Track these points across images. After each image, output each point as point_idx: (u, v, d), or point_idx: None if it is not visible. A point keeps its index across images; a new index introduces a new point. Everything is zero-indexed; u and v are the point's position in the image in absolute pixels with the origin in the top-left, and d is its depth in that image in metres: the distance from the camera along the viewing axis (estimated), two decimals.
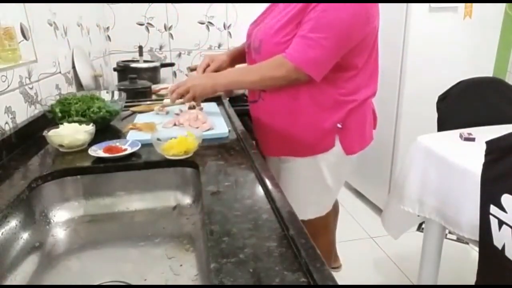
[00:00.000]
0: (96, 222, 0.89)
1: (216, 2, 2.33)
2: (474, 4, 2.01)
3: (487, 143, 0.92)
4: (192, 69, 1.81)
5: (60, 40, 1.47)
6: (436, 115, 1.64)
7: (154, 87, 1.82)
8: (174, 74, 2.43)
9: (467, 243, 2.02)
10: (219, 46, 2.41)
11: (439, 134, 1.51)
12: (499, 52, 2.21)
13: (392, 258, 1.98)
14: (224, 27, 2.40)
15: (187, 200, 0.94)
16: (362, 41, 1.13)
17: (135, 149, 0.96)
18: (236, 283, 0.50)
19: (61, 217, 0.88)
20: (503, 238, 0.90)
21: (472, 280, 1.08)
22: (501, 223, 0.89)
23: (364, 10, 1.08)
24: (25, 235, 0.78)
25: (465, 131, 1.39)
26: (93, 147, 0.96)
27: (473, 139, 1.33)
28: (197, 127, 1.12)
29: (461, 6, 2.00)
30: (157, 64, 2.08)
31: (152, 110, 1.38)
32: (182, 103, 1.26)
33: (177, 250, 0.79)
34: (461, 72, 1.86)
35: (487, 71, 2.17)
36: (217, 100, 1.56)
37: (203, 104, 1.43)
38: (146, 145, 0.98)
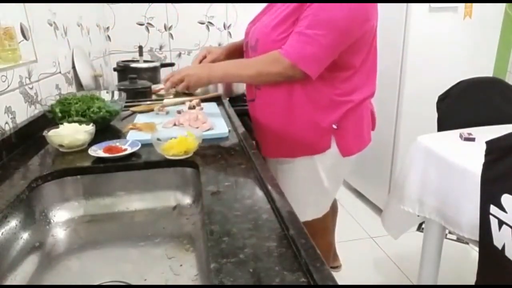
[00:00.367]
0: (96, 222, 0.89)
1: (216, 2, 2.33)
2: (474, 4, 2.01)
3: (487, 143, 0.92)
4: None
5: (60, 40, 1.47)
6: (436, 115, 1.64)
7: (154, 87, 1.82)
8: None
9: (467, 243, 2.02)
10: (219, 46, 2.41)
11: (439, 134, 1.51)
12: (499, 52, 2.21)
13: (392, 258, 1.98)
14: (224, 27, 2.40)
15: (187, 200, 0.94)
16: (360, 39, 1.12)
17: (135, 149, 0.96)
18: (236, 283, 0.50)
19: (61, 217, 0.88)
20: (503, 238, 0.90)
21: (472, 280, 1.08)
22: (501, 223, 0.89)
23: (363, 7, 1.08)
24: (25, 235, 0.78)
25: (465, 131, 1.39)
26: (93, 147, 0.96)
27: (473, 139, 1.33)
28: (197, 127, 1.12)
29: (461, 6, 2.00)
30: (157, 64, 2.08)
31: (152, 110, 1.38)
32: (176, 92, 1.23)
33: (177, 250, 0.79)
34: (461, 72, 1.86)
35: (487, 71, 2.17)
36: (217, 100, 1.56)
37: (203, 104, 1.43)
38: (146, 145, 0.98)
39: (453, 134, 1.41)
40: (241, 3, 2.35)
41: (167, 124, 1.19)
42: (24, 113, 1.11)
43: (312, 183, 1.28)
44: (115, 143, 0.99)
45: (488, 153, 0.93)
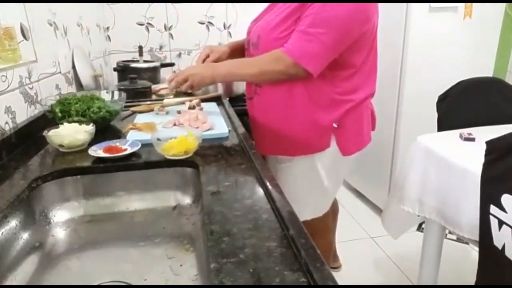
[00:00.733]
0: (96, 222, 0.89)
1: (216, 2, 2.33)
2: (474, 4, 2.01)
3: (487, 143, 0.92)
4: None
5: (60, 40, 1.47)
6: (436, 115, 1.64)
7: (154, 87, 1.82)
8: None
9: (467, 243, 2.02)
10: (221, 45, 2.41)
11: (439, 134, 1.51)
12: (499, 52, 2.21)
13: (392, 258, 1.98)
14: (224, 27, 2.40)
15: (187, 200, 0.94)
16: (360, 38, 1.13)
17: (135, 149, 0.96)
18: (236, 283, 0.50)
19: (61, 217, 0.88)
20: (503, 238, 0.90)
21: (472, 280, 1.08)
22: (501, 223, 0.89)
23: (364, 7, 1.08)
24: (25, 235, 0.78)
25: (465, 131, 1.39)
26: (93, 147, 0.96)
27: (473, 139, 1.33)
28: (197, 127, 1.12)
29: (461, 6, 2.00)
30: (157, 64, 2.08)
31: (152, 110, 1.38)
32: (176, 92, 1.23)
33: (177, 250, 0.79)
34: (461, 72, 1.86)
35: (487, 71, 2.17)
36: (217, 100, 1.56)
37: (203, 104, 1.43)
38: (146, 145, 0.98)
39: (453, 134, 1.41)
40: (241, 3, 2.35)
41: (167, 124, 1.19)
42: (24, 113, 1.11)
43: (311, 182, 1.28)
44: (115, 143, 0.99)
45: (488, 153, 0.93)
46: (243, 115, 1.47)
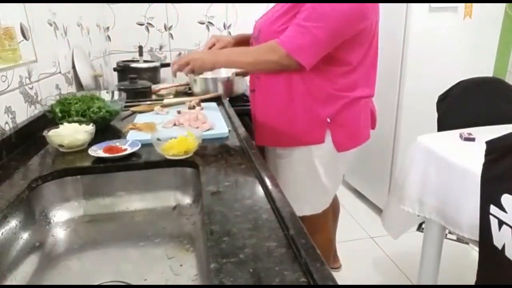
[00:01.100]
0: (96, 222, 0.89)
1: (216, 2, 2.33)
2: (474, 4, 2.01)
3: (487, 143, 0.92)
4: None
5: (60, 40, 1.47)
6: (436, 115, 1.64)
7: (154, 87, 1.82)
8: (174, 74, 2.42)
9: (467, 243, 2.02)
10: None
11: (439, 134, 1.51)
12: (499, 52, 2.21)
13: (392, 258, 1.98)
14: (224, 27, 2.40)
15: (187, 200, 0.94)
16: (356, 37, 1.14)
17: (135, 149, 0.96)
18: (236, 283, 0.50)
19: (61, 217, 0.88)
20: (503, 238, 0.90)
21: (472, 280, 1.08)
22: (501, 223, 0.89)
23: (362, 6, 1.10)
24: (25, 235, 0.78)
25: (465, 131, 1.39)
26: (93, 147, 0.96)
27: (473, 139, 1.33)
28: (197, 127, 1.13)
29: (461, 6, 2.00)
30: (157, 64, 2.08)
31: (152, 110, 1.38)
32: (176, 92, 1.24)
33: (177, 250, 0.79)
34: (461, 72, 1.86)
35: (487, 71, 2.17)
36: (217, 100, 1.56)
37: (203, 104, 1.43)
38: (146, 145, 0.98)
39: (453, 134, 1.40)
40: (241, 3, 2.35)
41: (167, 124, 1.19)
42: (24, 113, 1.11)
43: (309, 178, 1.30)
44: (115, 143, 0.99)
45: (488, 153, 0.93)
46: (243, 115, 1.47)
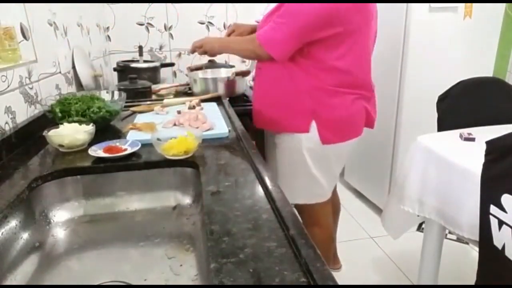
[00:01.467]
0: (96, 222, 0.89)
1: (216, 2, 2.33)
2: (474, 4, 2.01)
3: (487, 143, 0.92)
4: (192, 69, 1.82)
5: (60, 40, 1.47)
6: (436, 115, 1.64)
7: (154, 87, 1.82)
8: (174, 74, 2.43)
9: (467, 243, 2.02)
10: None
11: (439, 134, 1.51)
12: (499, 52, 2.21)
13: (392, 258, 1.98)
14: (224, 27, 2.40)
15: (187, 200, 0.94)
16: (330, 39, 1.22)
17: (135, 149, 0.96)
18: (236, 283, 0.50)
19: (61, 217, 0.88)
20: (503, 238, 0.90)
21: (472, 280, 1.08)
22: (501, 223, 0.89)
23: (329, 12, 1.18)
24: (25, 235, 0.78)
25: (465, 131, 1.39)
26: (93, 147, 0.96)
27: (473, 139, 1.33)
28: (197, 127, 1.13)
29: (461, 6, 2.00)
30: (157, 64, 2.08)
31: (152, 110, 1.38)
32: (176, 92, 1.31)
33: (177, 250, 0.79)
34: (461, 72, 1.86)
35: (487, 71, 2.17)
36: (217, 100, 1.56)
37: (203, 104, 1.43)
38: (146, 145, 0.98)
39: (453, 134, 1.40)
40: (241, 3, 2.35)
41: (167, 124, 1.19)
42: (24, 113, 1.11)
43: (300, 167, 1.39)
44: (115, 143, 0.99)
45: (488, 153, 0.93)
46: (243, 115, 1.47)
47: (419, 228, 2.08)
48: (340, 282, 0.50)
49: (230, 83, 1.74)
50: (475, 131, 1.38)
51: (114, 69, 2.00)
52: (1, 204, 0.73)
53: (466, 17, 2.03)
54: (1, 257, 0.70)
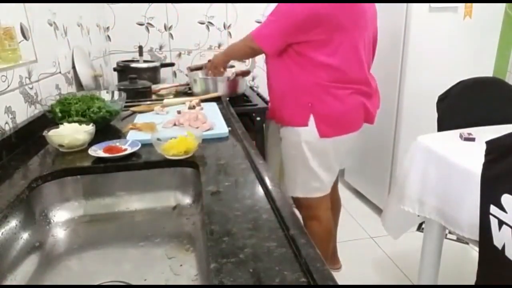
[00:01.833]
0: (96, 222, 0.89)
1: (216, 2, 2.33)
2: (474, 4, 2.01)
3: (487, 143, 0.92)
4: (192, 69, 1.82)
5: (60, 40, 1.47)
6: (436, 115, 1.64)
7: (154, 87, 1.82)
8: (174, 74, 2.43)
9: (467, 243, 2.02)
10: (219, 46, 2.41)
11: (439, 134, 1.51)
12: (499, 52, 2.21)
13: (392, 258, 1.98)
14: (224, 27, 2.40)
15: (187, 200, 0.94)
16: (317, 38, 1.30)
17: (135, 149, 0.96)
18: (236, 283, 0.50)
19: (61, 217, 0.88)
20: (503, 238, 0.90)
21: (472, 280, 1.08)
22: (501, 223, 0.89)
23: (316, 13, 1.25)
24: (25, 235, 0.78)
25: (465, 131, 1.39)
26: (93, 147, 0.96)
27: (473, 139, 1.33)
28: (197, 127, 1.13)
29: (461, 6, 2.00)
30: (157, 64, 2.08)
31: (152, 110, 1.38)
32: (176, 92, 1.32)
33: (177, 250, 0.79)
34: (461, 72, 1.85)
35: (487, 71, 2.17)
36: (217, 100, 1.56)
37: (203, 104, 1.43)
38: (146, 145, 0.98)
39: (453, 134, 1.40)
40: (241, 3, 2.35)
41: (167, 124, 1.19)
42: (24, 113, 1.11)
43: (299, 160, 1.45)
44: (115, 143, 0.99)
45: (488, 153, 0.92)
46: (243, 115, 1.48)
47: (419, 228, 2.08)
48: (340, 282, 0.50)
49: (230, 83, 1.74)
50: (475, 131, 1.38)
51: (114, 69, 2.00)
52: (1, 204, 0.73)
53: (466, 17, 2.03)
54: (1, 257, 0.70)
